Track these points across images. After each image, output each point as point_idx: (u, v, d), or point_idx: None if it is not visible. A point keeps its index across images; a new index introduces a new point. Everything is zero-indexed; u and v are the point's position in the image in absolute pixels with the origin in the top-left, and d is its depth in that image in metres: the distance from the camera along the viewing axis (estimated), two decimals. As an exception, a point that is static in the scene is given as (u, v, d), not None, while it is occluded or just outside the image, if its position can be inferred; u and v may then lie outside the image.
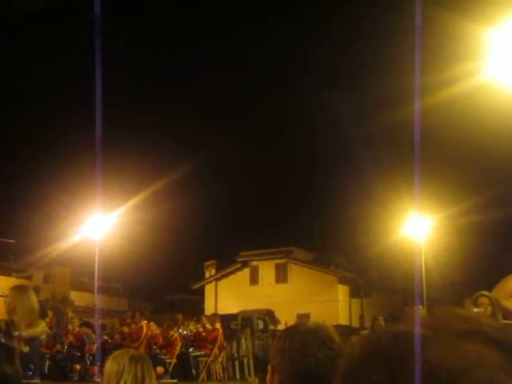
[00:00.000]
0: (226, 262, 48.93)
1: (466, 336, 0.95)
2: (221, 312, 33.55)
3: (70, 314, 23.32)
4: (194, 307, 44.84)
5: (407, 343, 0.95)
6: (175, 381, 19.08)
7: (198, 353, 19.80)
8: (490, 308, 8.09)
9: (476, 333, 0.96)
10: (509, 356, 0.94)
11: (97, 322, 20.38)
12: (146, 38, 44.03)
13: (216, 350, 19.82)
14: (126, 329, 19.89)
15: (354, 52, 48.68)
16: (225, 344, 20.74)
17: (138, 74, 48.09)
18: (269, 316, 38.79)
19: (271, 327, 37.22)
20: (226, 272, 48.85)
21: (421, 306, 9.62)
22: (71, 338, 21.33)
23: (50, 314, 18.32)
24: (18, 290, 7.79)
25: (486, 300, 8.17)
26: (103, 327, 21.22)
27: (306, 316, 42.13)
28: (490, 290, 8.62)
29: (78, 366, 20.30)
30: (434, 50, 20.76)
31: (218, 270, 49.51)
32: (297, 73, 56.40)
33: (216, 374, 20.05)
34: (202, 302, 48.54)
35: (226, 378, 20.37)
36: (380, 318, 11.71)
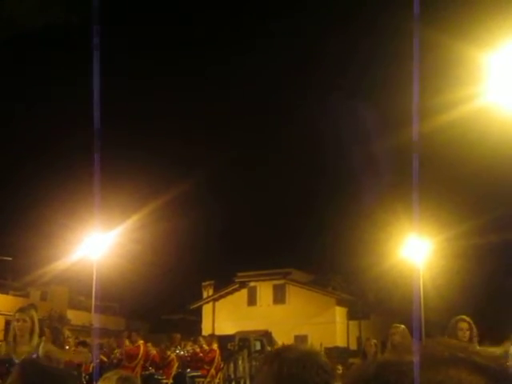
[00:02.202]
0: (224, 283, 48.86)
1: (450, 363, 0.99)
2: (218, 332, 33.49)
3: (67, 333, 23.17)
4: (192, 327, 44.74)
5: (391, 371, 0.99)
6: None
7: (195, 373, 19.72)
8: (468, 333, 8.16)
9: (461, 360, 1.00)
10: (491, 381, 0.97)
11: (94, 341, 20.29)
12: (146, 58, 44.22)
13: (213, 371, 19.75)
14: (123, 350, 19.80)
15: (353, 76, 48.91)
16: (222, 365, 20.69)
17: (136, 93, 48.22)
18: (266, 337, 38.61)
19: (268, 348, 37.05)
20: (223, 292, 48.76)
21: (403, 326, 9.69)
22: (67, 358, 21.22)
23: (46, 332, 18.26)
24: (30, 310, 7.82)
25: (465, 325, 8.24)
26: (100, 347, 21.13)
27: (304, 337, 42.06)
28: (489, 312, 8.66)
29: (74, 386, 20.17)
30: (434, 74, 20.86)
31: (215, 290, 49.43)
32: (296, 94, 56.65)
33: (212, 395, 19.97)
34: (200, 322, 48.42)
35: (223, 399, 20.30)
36: (373, 340, 11.66)
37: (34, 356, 7.50)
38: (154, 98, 50.71)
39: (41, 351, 7.57)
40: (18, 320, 7.61)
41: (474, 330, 8.25)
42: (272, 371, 2.54)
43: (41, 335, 7.98)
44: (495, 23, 15.85)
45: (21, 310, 7.89)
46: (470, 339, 8.10)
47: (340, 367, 18.35)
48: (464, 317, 8.40)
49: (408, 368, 0.98)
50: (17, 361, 7.42)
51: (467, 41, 16.43)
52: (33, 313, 7.71)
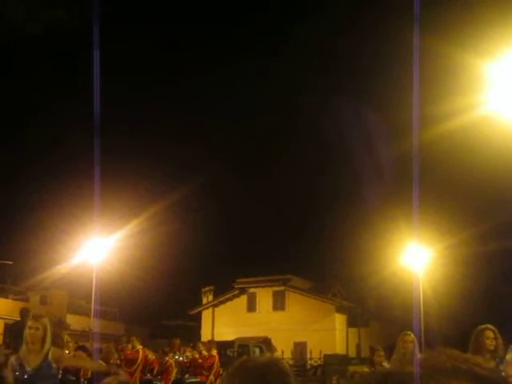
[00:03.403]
0: (224, 289, 48.85)
1: (451, 374, 1.00)
2: (217, 338, 33.47)
3: (66, 338, 23.18)
4: (191, 333, 44.67)
5: (393, 381, 1.01)
6: (170, 407, 18.96)
7: (194, 379, 19.67)
8: (494, 342, 8.10)
9: (462, 371, 1.01)
10: None
11: (94, 345, 20.28)
12: (145, 64, 44.29)
13: (212, 377, 19.71)
14: (122, 355, 19.75)
15: (354, 84, 48.94)
16: (221, 371, 20.62)
17: (136, 99, 48.27)
18: (266, 343, 38.59)
19: (268, 355, 36.98)
20: (223, 298, 48.73)
21: (410, 332, 9.66)
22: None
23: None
24: (43, 317, 7.89)
25: (491, 334, 8.16)
26: (99, 351, 21.08)
27: (303, 344, 42.02)
28: (489, 320, 8.61)
29: (73, 391, 20.13)
30: (435, 84, 20.88)
31: (215, 296, 49.39)
32: (297, 102, 56.60)
33: (211, 401, 19.92)
34: (199, 328, 48.38)
35: (221, 405, 20.24)
36: (380, 348, 11.58)
37: (45, 364, 7.56)
38: (154, 104, 50.82)
39: (51, 356, 7.64)
40: (30, 328, 7.59)
41: (500, 338, 8.19)
42: (238, 381, 2.59)
43: (53, 343, 7.99)
44: (497, 32, 15.88)
45: (34, 317, 7.91)
46: (496, 347, 8.06)
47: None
48: (489, 325, 8.34)
49: (409, 378, 1.00)
50: (28, 369, 7.48)
51: (469, 50, 16.45)
52: (45, 321, 7.74)
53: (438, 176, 35.93)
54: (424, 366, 1.02)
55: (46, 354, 7.57)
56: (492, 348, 7.99)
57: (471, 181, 37.11)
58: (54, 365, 7.61)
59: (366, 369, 11.93)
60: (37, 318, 7.85)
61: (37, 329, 7.56)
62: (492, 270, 41.15)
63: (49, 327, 7.68)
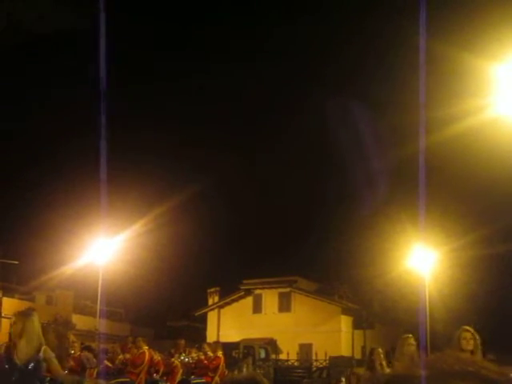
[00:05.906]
0: (230, 290, 48.83)
1: (458, 376, 1.01)
2: (223, 340, 33.42)
3: (72, 338, 23.21)
4: (196, 334, 44.70)
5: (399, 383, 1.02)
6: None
7: (199, 380, 19.67)
8: (472, 342, 8.20)
9: (469, 373, 1.02)
10: None
11: (99, 346, 20.28)
12: (151, 62, 44.33)
13: (217, 378, 19.70)
14: (127, 355, 19.76)
15: (359, 88, 48.88)
16: (226, 372, 20.62)
17: (143, 98, 48.31)
18: (271, 345, 38.58)
19: (273, 356, 37.00)
20: (229, 300, 48.71)
21: (411, 335, 9.71)
22: (72, 362, 21.16)
23: (51, 337, 18.22)
24: (25, 315, 8.03)
25: (468, 335, 8.28)
26: (105, 352, 21.09)
27: (309, 346, 41.98)
28: (495, 322, 8.68)
29: (78, 391, 20.12)
30: (442, 86, 20.87)
31: (221, 297, 49.38)
32: (303, 105, 56.62)
33: (216, 402, 19.90)
34: (205, 329, 48.37)
35: (227, 406, 20.20)
36: (380, 349, 11.52)
37: (34, 360, 7.68)
38: (160, 104, 50.86)
39: (42, 354, 7.76)
40: (12, 324, 8.00)
41: (478, 339, 8.29)
42: None
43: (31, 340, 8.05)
44: (504, 35, 15.86)
45: (15, 313, 8.18)
46: (475, 348, 8.14)
47: None
48: (467, 327, 8.46)
49: (417, 381, 1.00)
50: (16, 362, 7.62)
51: (476, 53, 16.43)
52: (24, 317, 7.91)
53: (444, 178, 35.90)
54: (432, 369, 1.02)
55: (37, 351, 7.71)
56: (470, 348, 8.08)
57: (477, 183, 37.09)
58: (43, 364, 7.76)
59: (362, 371, 11.90)
60: (19, 313, 8.09)
61: (14, 323, 7.86)
62: (498, 272, 41.04)
63: (28, 323, 7.81)
